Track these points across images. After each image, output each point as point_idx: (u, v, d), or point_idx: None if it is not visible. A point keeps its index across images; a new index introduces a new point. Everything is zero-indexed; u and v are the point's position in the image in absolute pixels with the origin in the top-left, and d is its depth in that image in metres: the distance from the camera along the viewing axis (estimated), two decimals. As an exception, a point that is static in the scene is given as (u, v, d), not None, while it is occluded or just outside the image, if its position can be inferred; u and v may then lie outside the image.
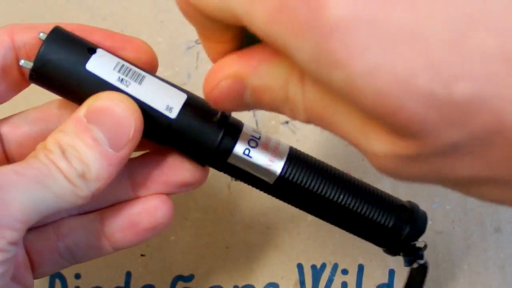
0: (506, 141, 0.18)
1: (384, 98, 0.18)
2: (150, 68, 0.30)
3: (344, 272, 0.42)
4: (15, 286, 0.30)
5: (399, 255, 0.33)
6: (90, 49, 0.28)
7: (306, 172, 0.29)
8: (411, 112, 0.18)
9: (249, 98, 0.24)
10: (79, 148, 0.27)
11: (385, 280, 0.42)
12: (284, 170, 0.29)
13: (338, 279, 0.42)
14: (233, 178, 0.41)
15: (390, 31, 0.18)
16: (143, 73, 0.29)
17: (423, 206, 0.43)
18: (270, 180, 0.30)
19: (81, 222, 0.32)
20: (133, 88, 0.28)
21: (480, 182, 0.20)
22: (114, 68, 0.28)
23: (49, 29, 0.28)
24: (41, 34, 0.28)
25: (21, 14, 0.44)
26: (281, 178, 0.29)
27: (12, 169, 0.26)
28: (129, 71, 0.28)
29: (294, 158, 0.29)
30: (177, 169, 0.31)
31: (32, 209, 0.26)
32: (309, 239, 0.42)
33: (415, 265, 0.33)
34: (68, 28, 0.29)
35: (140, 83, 0.28)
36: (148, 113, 0.28)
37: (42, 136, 0.30)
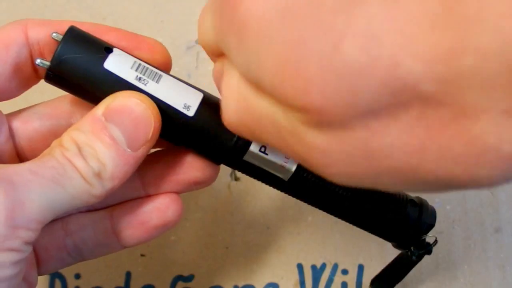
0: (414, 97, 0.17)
1: (282, 65, 0.18)
2: (164, 68, 0.30)
3: (344, 272, 0.42)
4: (20, 283, 0.29)
5: (409, 249, 0.33)
6: (107, 49, 0.28)
7: None
8: (307, 75, 0.18)
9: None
10: (96, 146, 0.27)
11: (385, 280, 0.42)
12: (300, 167, 0.29)
13: (338, 279, 0.42)
14: (233, 179, 0.41)
15: (289, 12, 0.18)
16: (159, 72, 0.29)
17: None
18: (285, 177, 0.30)
19: (91, 219, 0.32)
20: (152, 87, 0.28)
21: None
22: (132, 67, 0.28)
23: (62, 27, 0.28)
24: (54, 34, 0.28)
25: (21, 14, 0.44)
26: (296, 175, 0.30)
27: (28, 169, 0.26)
28: (146, 70, 0.28)
29: None
30: (188, 168, 0.31)
31: (48, 209, 0.26)
32: (309, 239, 0.42)
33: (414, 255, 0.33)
34: (82, 28, 0.29)
35: (158, 81, 0.28)
36: (166, 111, 0.28)
37: (53, 132, 0.30)
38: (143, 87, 0.28)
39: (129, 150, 0.27)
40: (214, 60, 0.25)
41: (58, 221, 0.32)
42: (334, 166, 0.20)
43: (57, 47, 0.27)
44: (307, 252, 0.42)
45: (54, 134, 0.29)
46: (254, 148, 0.29)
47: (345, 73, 0.17)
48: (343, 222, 0.43)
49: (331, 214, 0.31)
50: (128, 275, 0.41)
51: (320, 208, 0.31)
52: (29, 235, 0.25)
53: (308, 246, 0.42)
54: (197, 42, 0.44)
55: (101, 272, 0.41)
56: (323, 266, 0.42)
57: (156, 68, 0.29)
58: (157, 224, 0.31)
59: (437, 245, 0.43)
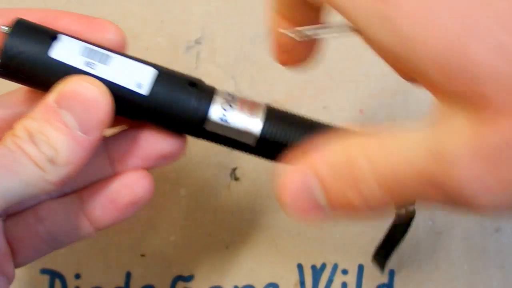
0: None
1: (450, 45, 0.18)
2: (119, 47, 0.30)
3: (344, 272, 0.42)
4: None
5: None
6: (53, 37, 0.28)
7: (286, 128, 0.29)
8: (477, 57, 0.18)
9: (320, 196, 0.24)
10: (48, 133, 0.27)
11: (385, 280, 0.42)
12: (264, 130, 0.29)
13: (338, 279, 0.42)
14: (233, 178, 0.41)
15: None
16: (109, 53, 0.29)
17: (423, 206, 0.44)
18: (251, 142, 0.30)
19: (60, 203, 0.31)
20: (101, 70, 0.28)
21: None
22: (79, 52, 0.28)
23: (10, 17, 0.28)
24: (3, 27, 0.28)
25: (21, 14, 0.44)
26: (262, 138, 0.29)
27: None
28: (95, 53, 0.28)
29: (273, 116, 0.29)
30: (153, 142, 0.30)
31: (2, 196, 0.26)
32: (309, 239, 0.42)
33: (402, 212, 0.32)
34: (37, 15, 0.29)
35: (107, 63, 0.28)
36: (118, 92, 0.28)
37: (14, 121, 0.30)
38: (92, 71, 0.28)
39: (82, 134, 0.27)
40: (277, 13, 0.25)
41: (29, 209, 0.32)
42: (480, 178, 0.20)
43: (4, 43, 0.28)
44: (307, 252, 0.42)
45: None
46: (213, 117, 0.29)
47: None
48: (343, 222, 0.43)
49: None
50: (128, 275, 0.41)
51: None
52: None
53: (308, 246, 0.42)
54: (197, 42, 0.44)
55: (101, 272, 0.41)
56: (323, 266, 0.42)
57: (107, 49, 0.29)
58: (127, 202, 0.31)
59: (437, 245, 0.43)
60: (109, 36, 0.30)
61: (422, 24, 0.19)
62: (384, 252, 0.35)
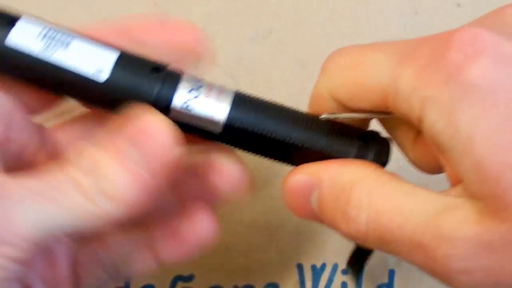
0: None
1: (499, 154, 0.19)
2: (197, 53, 0.29)
3: (344, 272, 0.42)
4: None
5: None
6: (11, 21, 0.27)
7: (254, 116, 0.28)
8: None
9: (314, 203, 0.25)
10: (110, 165, 0.25)
11: (385, 280, 0.42)
12: (230, 117, 0.28)
13: (338, 279, 0.42)
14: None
15: None
16: (70, 37, 0.27)
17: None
18: (216, 130, 0.28)
19: (127, 236, 0.31)
20: (59, 55, 0.27)
21: None
22: (38, 36, 0.27)
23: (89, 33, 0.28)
24: None
25: (20, 14, 0.44)
26: (228, 126, 0.28)
27: (19, 183, 0.25)
28: (55, 36, 0.27)
29: (240, 103, 0.28)
30: (219, 180, 0.30)
31: (37, 226, 0.24)
32: (309, 239, 0.42)
33: None
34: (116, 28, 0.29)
35: (67, 48, 0.27)
36: (77, 78, 0.27)
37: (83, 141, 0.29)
38: (49, 56, 0.27)
39: (145, 174, 0.25)
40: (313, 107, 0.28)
41: (96, 238, 0.31)
42: (466, 262, 0.21)
43: None
44: (307, 252, 0.42)
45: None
46: (177, 104, 0.27)
47: None
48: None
49: (276, 160, 0.30)
50: (128, 275, 0.41)
51: (265, 156, 0.29)
52: (15, 252, 0.23)
53: (308, 246, 0.42)
54: (196, 42, 0.44)
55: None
56: (323, 266, 0.42)
57: (68, 32, 0.28)
58: (191, 239, 0.31)
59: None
60: (188, 38, 0.29)
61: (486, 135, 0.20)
62: (358, 261, 0.35)
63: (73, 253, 0.31)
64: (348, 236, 0.25)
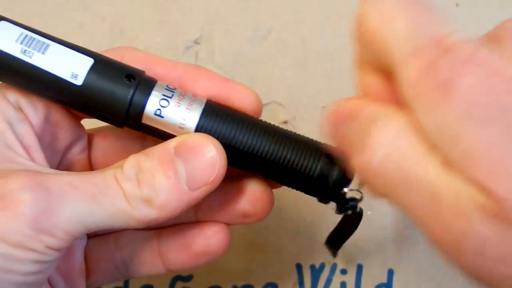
0: None
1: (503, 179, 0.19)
2: (254, 115, 0.30)
3: (343, 272, 0.42)
4: None
5: (337, 203, 0.31)
6: None
7: (223, 126, 0.29)
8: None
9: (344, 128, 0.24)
10: (156, 174, 0.27)
11: (384, 280, 0.42)
12: (199, 127, 0.29)
13: (337, 279, 0.42)
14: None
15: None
16: (47, 41, 0.29)
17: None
18: None
19: (140, 236, 0.32)
20: (37, 59, 0.28)
21: None
22: (17, 40, 0.28)
23: (146, 65, 0.29)
24: None
25: (19, 14, 0.44)
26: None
27: (68, 180, 0.26)
28: (33, 41, 0.28)
29: (210, 113, 0.29)
30: (239, 199, 0.31)
31: (79, 222, 0.26)
32: (308, 239, 0.42)
33: (349, 212, 0.32)
34: (177, 72, 0.30)
35: (44, 52, 0.28)
36: (53, 82, 0.28)
37: (126, 150, 0.32)
38: (28, 60, 0.28)
39: (186, 188, 0.27)
40: (362, 69, 0.25)
41: (111, 234, 0.33)
42: (490, 260, 0.20)
43: None
44: (306, 252, 0.42)
45: (127, 152, 0.30)
46: (149, 111, 0.28)
47: None
48: (342, 222, 0.43)
49: (244, 169, 0.30)
50: (127, 275, 0.41)
51: (232, 165, 0.30)
52: (53, 241, 0.26)
53: (307, 246, 0.42)
54: (195, 42, 0.44)
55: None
56: (322, 266, 0.42)
57: (46, 36, 0.29)
58: (199, 251, 0.31)
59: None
60: (247, 104, 0.30)
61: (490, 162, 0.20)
62: (336, 241, 0.35)
63: (87, 246, 0.32)
64: (358, 170, 0.24)
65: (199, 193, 0.28)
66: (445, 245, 0.21)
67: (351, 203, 0.31)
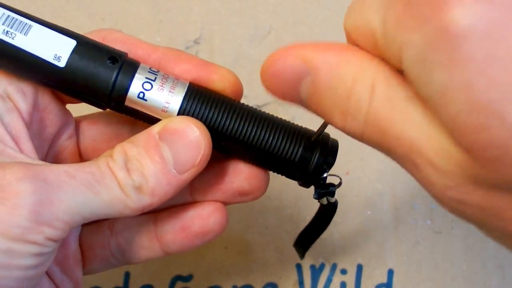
0: None
1: (471, 114, 0.18)
2: (235, 97, 0.30)
3: (343, 272, 0.42)
4: (63, 278, 0.31)
5: (309, 187, 0.31)
6: None
7: (206, 109, 0.29)
8: (493, 137, 0.18)
9: (305, 90, 0.23)
10: (143, 161, 0.28)
11: (384, 280, 0.42)
12: (181, 109, 0.29)
13: (337, 279, 0.42)
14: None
15: (501, 53, 0.17)
16: (30, 22, 0.29)
17: (422, 206, 0.44)
18: None
19: (135, 221, 0.32)
20: (19, 40, 0.28)
21: None
22: None
23: (126, 46, 0.29)
24: None
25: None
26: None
27: (64, 170, 0.27)
28: (15, 22, 0.28)
29: (193, 96, 0.29)
30: (235, 178, 0.31)
31: (77, 212, 0.26)
32: (308, 239, 0.42)
33: (324, 202, 0.32)
34: (157, 54, 0.30)
35: (26, 33, 0.28)
36: (36, 64, 0.28)
37: (115, 136, 0.32)
38: (10, 40, 0.28)
39: (174, 171, 0.28)
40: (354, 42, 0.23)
41: (105, 221, 0.32)
42: (454, 194, 0.20)
43: None
44: (306, 252, 0.42)
45: (117, 138, 0.30)
46: (132, 94, 0.28)
47: None
48: (342, 222, 0.43)
49: (225, 153, 0.31)
50: (127, 275, 0.41)
51: (214, 149, 0.30)
52: (53, 232, 0.26)
53: (307, 246, 0.42)
54: (195, 42, 0.44)
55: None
56: (322, 266, 0.42)
57: (29, 18, 0.29)
58: (198, 231, 0.31)
59: (436, 245, 0.43)
60: (227, 86, 0.30)
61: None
62: (306, 240, 0.35)
63: (82, 234, 0.32)
64: (342, 130, 0.23)
65: (187, 175, 0.28)
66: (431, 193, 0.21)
67: (330, 188, 0.31)
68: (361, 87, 0.22)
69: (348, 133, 0.23)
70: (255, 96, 0.44)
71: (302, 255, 0.37)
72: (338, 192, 0.42)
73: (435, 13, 0.18)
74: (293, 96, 0.24)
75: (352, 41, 0.23)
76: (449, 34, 0.18)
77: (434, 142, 0.20)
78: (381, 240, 0.43)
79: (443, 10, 0.18)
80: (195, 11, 0.45)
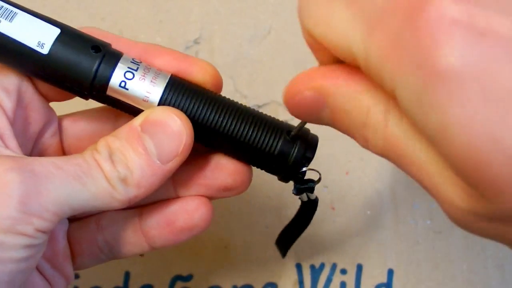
0: None
1: (473, 152, 0.18)
2: (215, 89, 0.31)
3: (343, 272, 0.42)
4: (54, 273, 0.31)
5: (288, 181, 0.31)
6: None
7: (186, 101, 0.29)
8: (496, 172, 0.18)
9: (326, 116, 0.24)
10: (127, 153, 0.28)
11: (383, 279, 0.42)
12: (162, 100, 0.29)
13: (337, 279, 0.42)
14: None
15: (496, 89, 0.18)
16: (15, 10, 0.29)
17: (422, 206, 0.44)
18: None
19: (121, 216, 0.32)
20: (3, 26, 0.28)
21: None
22: None
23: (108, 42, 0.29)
24: None
25: (20, 14, 0.44)
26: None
27: (52, 162, 0.27)
28: (0, 8, 0.28)
29: (174, 87, 0.29)
30: (218, 173, 0.31)
31: (65, 203, 0.26)
32: (308, 239, 0.42)
33: (305, 199, 0.32)
34: (138, 49, 0.30)
35: (11, 20, 0.28)
36: (19, 50, 0.28)
37: (98, 133, 0.32)
38: None
39: (158, 162, 0.28)
40: (322, 58, 0.25)
41: (92, 216, 0.33)
42: (465, 223, 0.21)
43: None
44: (306, 252, 0.42)
45: (99, 135, 0.30)
46: (113, 83, 0.29)
47: None
48: (342, 222, 0.43)
49: (205, 145, 0.31)
50: (127, 274, 0.41)
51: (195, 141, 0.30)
52: (42, 224, 0.26)
53: (307, 246, 0.42)
54: (195, 42, 0.44)
55: (100, 271, 0.41)
56: (322, 266, 0.42)
57: (13, 5, 0.29)
58: (183, 226, 0.31)
59: (436, 244, 0.43)
60: (207, 78, 0.30)
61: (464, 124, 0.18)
62: (287, 238, 0.35)
63: (69, 229, 0.32)
64: (367, 149, 0.24)
65: (171, 165, 0.28)
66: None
67: (309, 184, 0.31)
68: (376, 116, 0.23)
69: (372, 152, 0.24)
70: (255, 96, 0.44)
71: (283, 254, 0.37)
72: (338, 192, 0.42)
73: (427, 56, 0.18)
74: (319, 121, 0.25)
75: (317, 46, 0.24)
76: (443, 76, 0.18)
77: (439, 173, 0.21)
78: (381, 240, 0.43)
79: (435, 52, 0.18)
80: (195, 11, 0.45)
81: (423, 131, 0.20)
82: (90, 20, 0.45)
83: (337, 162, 0.43)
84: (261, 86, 0.44)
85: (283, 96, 0.25)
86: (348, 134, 0.24)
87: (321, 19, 0.23)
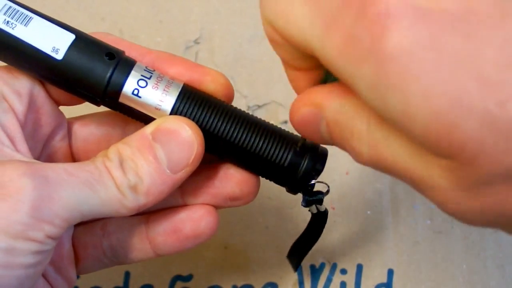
0: None
1: (438, 118, 0.19)
2: (226, 99, 0.31)
3: (343, 272, 0.42)
4: (57, 277, 0.31)
5: (304, 196, 0.32)
6: None
7: (198, 110, 0.29)
8: (466, 131, 0.18)
9: (324, 130, 0.25)
10: (138, 161, 0.28)
11: (383, 279, 0.42)
12: (174, 109, 0.29)
13: (337, 279, 0.42)
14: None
15: (445, 56, 0.18)
16: (30, 14, 0.29)
17: (422, 206, 0.44)
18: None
19: (127, 222, 0.32)
20: (19, 30, 0.28)
21: None
22: (0, 11, 0.28)
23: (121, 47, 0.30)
24: None
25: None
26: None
27: (63, 168, 0.27)
28: (16, 13, 0.29)
29: (186, 97, 0.29)
30: (226, 182, 0.31)
31: (75, 209, 0.26)
32: (308, 239, 0.42)
33: (314, 211, 0.32)
34: (151, 57, 0.30)
35: (26, 25, 0.28)
36: (34, 55, 0.28)
37: (107, 137, 0.32)
38: (10, 30, 0.28)
39: (168, 171, 0.28)
40: (282, 55, 0.26)
41: (98, 221, 0.33)
42: (460, 213, 0.21)
43: None
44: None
45: (108, 140, 0.31)
46: (127, 90, 0.29)
47: (509, 132, 0.18)
48: (342, 222, 0.43)
49: (215, 155, 0.31)
50: (127, 274, 0.41)
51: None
52: (52, 230, 0.26)
53: (307, 246, 0.42)
54: (195, 42, 0.44)
55: (100, 271, 0.41)
56: (322, 265, 0.42)
57: (29, 9, 0.29)
58: (189, 234, 0.31)
59: (436, 245, 0.43)
60: (218, 88, 0.31)
61: (420, 94, 0.19)
62: (299, 251, 0.35)
63: (74, 233, 0.32)
64: (358, 162, 0.25)
65: (181, 174, 0.29)
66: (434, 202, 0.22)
67: (318, 195, 0.31)
68: (359, 123, 0.23)
69: (363, 164, 0.24)
70: (255, 96, 0.44)
71: (296, 267, 0.37)
72: (338, 192, 0.42)
73: (377, 43, 0.19)
74: (321, 138, 0.26)
75: (277, 41, 0.24)
76: (394, 57, 0.19)
77: (420, 162, 0.21)
78: (381, 240, 0.43)
79: (384, 38, 0.19)
80: (195, 11, 0.45)
81: (387, 119, 0.20)
82: (90, 20, 0.45)
83: (337, 162, 0.43)
84: (261, 86, 0.44)
85: (290, 114, 0.26)
86: (342, 147, 0.25)
87: (280, 14, 0.23)
